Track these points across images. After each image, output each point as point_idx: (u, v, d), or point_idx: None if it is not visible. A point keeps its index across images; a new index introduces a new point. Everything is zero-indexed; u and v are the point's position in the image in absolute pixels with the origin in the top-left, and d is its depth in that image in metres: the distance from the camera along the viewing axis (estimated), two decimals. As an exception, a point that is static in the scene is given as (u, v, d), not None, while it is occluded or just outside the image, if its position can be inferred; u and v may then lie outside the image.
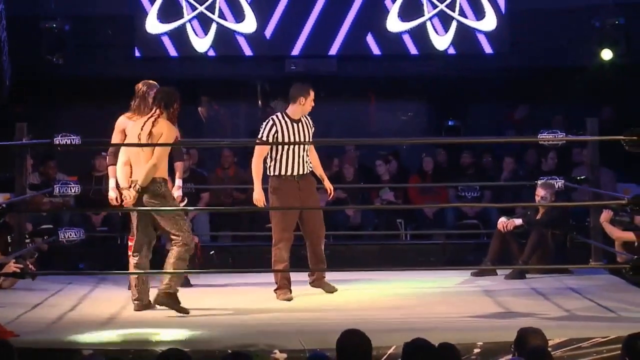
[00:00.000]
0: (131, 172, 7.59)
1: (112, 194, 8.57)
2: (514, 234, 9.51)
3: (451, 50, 13.39)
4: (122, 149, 7.73)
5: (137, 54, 13.38)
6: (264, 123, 8.42)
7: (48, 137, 8.74)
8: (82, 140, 8.82)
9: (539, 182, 9.66)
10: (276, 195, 8.33)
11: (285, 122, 8.34)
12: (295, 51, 13.42)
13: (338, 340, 4.94)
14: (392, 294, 8.46)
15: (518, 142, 12.89)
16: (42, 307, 7.82)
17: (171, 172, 8.31)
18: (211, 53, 13.38)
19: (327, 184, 8.59)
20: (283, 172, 8.30)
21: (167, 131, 7.48)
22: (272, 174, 8.35)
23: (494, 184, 12.01)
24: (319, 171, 8.59)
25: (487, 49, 13.39)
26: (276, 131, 8.30)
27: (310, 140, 8.45)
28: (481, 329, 6.68)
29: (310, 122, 8.46)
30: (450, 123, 13.79)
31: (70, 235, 9.16)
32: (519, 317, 7.12)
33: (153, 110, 7.61)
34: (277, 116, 8.39)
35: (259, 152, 8.34)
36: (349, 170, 12.07)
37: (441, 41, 13.35)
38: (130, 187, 7.50)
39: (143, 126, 7.55)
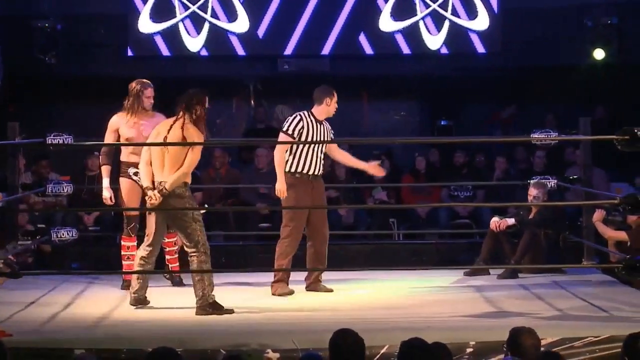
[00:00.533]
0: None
1: (106, 193, 8.60)
2: (507, 233, 9.51)
3: (444, 50, 13.40)
4: (145, 148, 7.65)
5: (129, 53, 13.37)
6: (291, 117, 8.46)
7: (40, 136, 8.73)
8: (74, 140, 8.82)
9: (532, 181, 9.66)
10: (291, 192, 8.37)
11: (311, 120, 8.41)
12: (288, 51, 13.41)
13: (331, 340, 4.95)
14: (384, 293, 8.46)
15: (511, 142, 12.89)
16: (35, 306, 7.81)
17: None
18: (204, 52, 13.38)
19: (368, 166, 8.66)
20: (300, 169, 8.37)
21: (196, 139, 7.41)
22: (288, 169, 8.40)
23: (486, 183, 12.02)
24: (353, 162, 8.68)
25: (480, 48, 13.41)
26: (302, 127, 8.37)
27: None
28: (474, 329, 6.68)
29: (329, 125, 8.55)
30: (442, 122, 13.78)
31: (63, 234, 9.15)
32: (511, 317, 7.12)
33: (178, 114, 7.50)
34: (304, 113, 8.45)
35: (283, 144, 8.37)
36: (341, 170, 12.06)
37: (434, 41, 13.36)
38: (154, 188, 7.42)
39: (170, 129, 7.46)
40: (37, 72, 13.12)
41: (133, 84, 8.51)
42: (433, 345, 4.93)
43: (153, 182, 7.46)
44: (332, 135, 8.60)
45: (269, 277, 8.71)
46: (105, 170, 8.64)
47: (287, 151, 8.40)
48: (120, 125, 8.50)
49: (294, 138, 8.36)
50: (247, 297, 8.20)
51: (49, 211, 11.19)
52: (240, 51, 13.40)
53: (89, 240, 11.35)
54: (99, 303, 7.92)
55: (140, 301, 7.60)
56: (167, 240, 8.56)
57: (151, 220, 7.61)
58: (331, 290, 8.48)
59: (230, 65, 13.61)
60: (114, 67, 13.08)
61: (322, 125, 8.46)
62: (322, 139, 8.43)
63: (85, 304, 7.97)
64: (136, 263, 7.63)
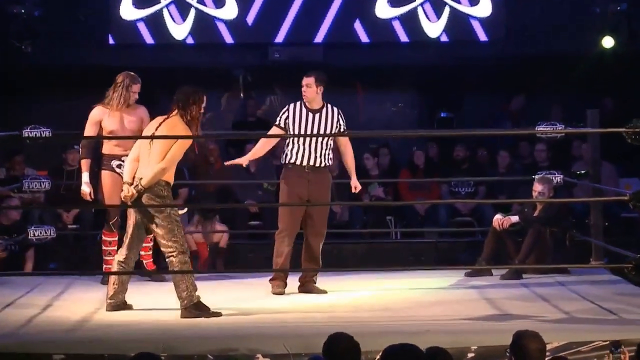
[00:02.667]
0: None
1: (85, 188, 8.62)
2: (510, 231, 9.51)
3: (444, 38, 13.41)
4: (136, 144, 7.65)
5: (111, 41, 13.36)
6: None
7: (16, 129, 8.71)
8: (52, 133, 8.80)
9: (537, 177, 9.66)
10: (283, 185, 8.48)
11: (300, 110, 8.45)
12: (279, 38, 13.41)
13: (325, 344, 4.95)
14: (381, 295, 8.47)
15: (515, 135, 12.90)
16: (11, 308, 7.80)
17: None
18: (190, 40, 13.37)
19: (354, 181, 8.73)
20: (292, 161, 8.45)
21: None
22: (283, 161, 8.55)
23: (489, 179, 12.02)
24: (349, 165, 8.72)
25: (482, 36, 13.41)
26: (287, 117, 8.47)
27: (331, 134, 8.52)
28: (475, 332, 6.69)
29: (336, 115, 8.53)
30: (442, 115, 13.79)
31: (40, 233, 9.14)
32: (515, 320, 7.12)
33: (171, 111, 7.52)
34: (293, 103, 8.54)
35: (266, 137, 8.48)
36: (334, 164, 12.03)
37: (433, 28, 13.36)
38: (132, 184, 7.42)
39: (159, 127, 7.49)
40: (13, 61, 13.09)
41: (121, 77, 8.55)
42: (430, 350, 4.93)
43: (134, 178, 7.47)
44: (340, 124, 8.56)
45: (258, 277, 8.77)
46: (85, 164, 8.67)
47: (286, 144, 8.52)
48: (103, 117, 8.54)
49: (282, 129, 8.46)
50: (235, 299, 8.20)
51: (25, 208, 11.17)
52: (229, 39, 13.39)
53: (68, 239, 11.35)
54: (78, 305, 7.90)
55: (118, 307, 7.57)
56: None
57: (129, 221, 7.59)
58: (325, 292, 8.51)
59: (217, 54, 13.60)
60: (94, 56, 13.06)
61: (317, 114, 8.49)
62: (315, 128, 8.45)
63: (64, 306, 7.96)
64: (114, 267, 7.62)
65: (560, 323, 7.04)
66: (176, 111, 7.50)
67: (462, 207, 12.16)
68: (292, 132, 8.43)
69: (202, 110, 7.54)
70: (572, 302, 7.83)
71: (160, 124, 7.52)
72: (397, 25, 13.39)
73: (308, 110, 8.49)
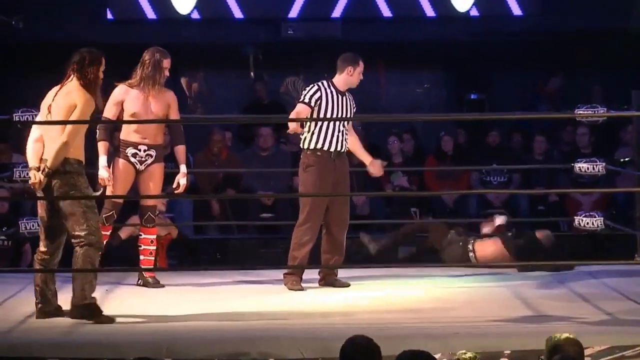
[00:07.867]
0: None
1: (103, 172, 8.44)
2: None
3: (474, 12, 13.40)
4: (35, 126, 7.46)
5: (109, 16, 13.39)
6: (308, 87, 8.59)
7: (6, 112, 8.74)
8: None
9: (577, 164, 9.66)
10: (310, 174, 8.50)
11: (331, 91, 8.56)
12: (293, 13, 13.42)
13: (342, 348, 4.96)
14: (404, 294, 8.47)
15: (552, 119, 12.88)
16: (1, 309, 7.81)
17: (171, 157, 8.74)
18: (195, 15, 13.39)
19: (371, 162, 8.80)
20: (320, 146, 8.49)
21: (82, 102, 7.18)
22: (306, 147, 8.54)
23: (524, 167, 12.02)
24: (359, 150, 8.84)
25: (516, 9, 13.41)
26: (320, 97, 8.51)
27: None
28: (507, 335, 6.69)
29: (351, 97, 8.66)
30: (472, 96, 13.78)
31: (33, 226, 9.15)
32: (551, 321, 7.12)
33: (67, 77, 7.34)
34: (322, 82, 8.59)
35: (296, 114, 8.49)
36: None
37: (462, 1, 13.35)
38: (40, 168, 7.15)
39: (55, 95, 7.30)
40: (2, 38, 13.12)
41: (151, 52, 8.51)
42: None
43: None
44: (354, 110, 8.69)
45: (271, 275, 8.78)
46: (102, 146, 8.53)
47: (305, 126, 8.51)
48: (126, 98, 8.49)
49: (312, 107, 8.49)
50: (245, 299, 8.22)
51: (16, 199, 11.19)
52: (238, 14, 13.40)
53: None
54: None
55: (49, 314, 7.32)
56: (143, 236, 8.63)
57: (40, 210, 7.34)
58: (348, 285, 8.61)
59: (225, 30, 13.61)
60: (91, 33, 13.05)
61: (344, 97, 8.59)
62: (344, 112, 8.56)
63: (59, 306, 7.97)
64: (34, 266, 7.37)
65: (601, 325, 7.04)
66: (72, 76, 7.33)
67: (494, 198, 12.15)
68: (323, 114, 8.46)
69: (101, 74, 7.32)
70: (615, 302, 7.82)
71: (56, 94, 7.30)
72: (423, -2, 13.41)
73: (338, 92, 8.56)
